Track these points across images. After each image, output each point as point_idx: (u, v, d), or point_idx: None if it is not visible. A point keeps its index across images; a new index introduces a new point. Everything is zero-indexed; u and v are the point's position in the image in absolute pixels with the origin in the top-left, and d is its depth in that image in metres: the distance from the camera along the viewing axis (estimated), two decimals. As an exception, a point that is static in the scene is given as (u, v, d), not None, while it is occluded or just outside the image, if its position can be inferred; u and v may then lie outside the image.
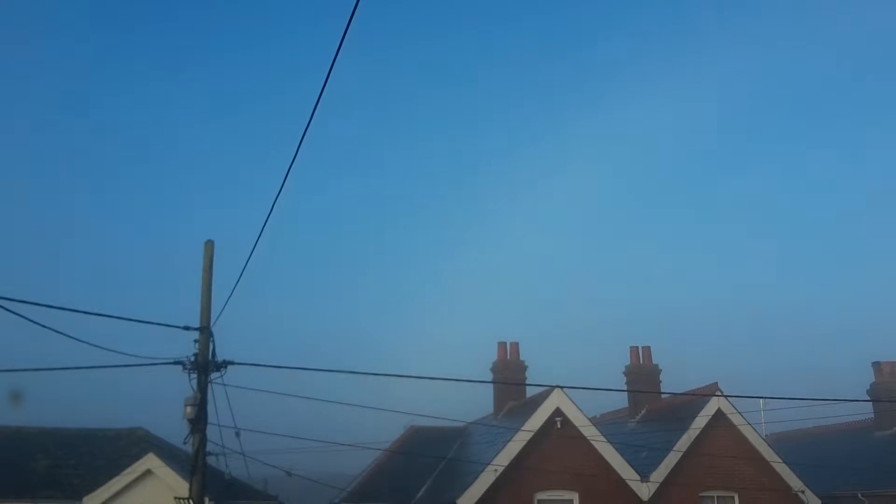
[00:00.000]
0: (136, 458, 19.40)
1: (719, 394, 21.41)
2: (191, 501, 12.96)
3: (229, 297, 13.49)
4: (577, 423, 20.52)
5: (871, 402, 26.52)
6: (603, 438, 20.60)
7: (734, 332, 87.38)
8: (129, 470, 18.81)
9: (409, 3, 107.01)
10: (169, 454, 20.54)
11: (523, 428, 20.09)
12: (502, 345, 25.96)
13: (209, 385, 12.97)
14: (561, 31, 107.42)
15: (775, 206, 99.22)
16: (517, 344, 26.00)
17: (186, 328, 12.86)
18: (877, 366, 26.93)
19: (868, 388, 26.94)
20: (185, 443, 13.14)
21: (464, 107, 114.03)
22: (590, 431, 20.61)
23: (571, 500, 20.18)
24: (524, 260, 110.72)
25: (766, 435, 27.18)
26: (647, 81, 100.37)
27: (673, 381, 31.29)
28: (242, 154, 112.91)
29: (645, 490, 20.07)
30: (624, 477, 20.11)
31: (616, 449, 20.54)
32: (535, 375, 28.55)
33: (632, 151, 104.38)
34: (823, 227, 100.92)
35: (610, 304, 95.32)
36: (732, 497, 21.14)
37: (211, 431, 13.27)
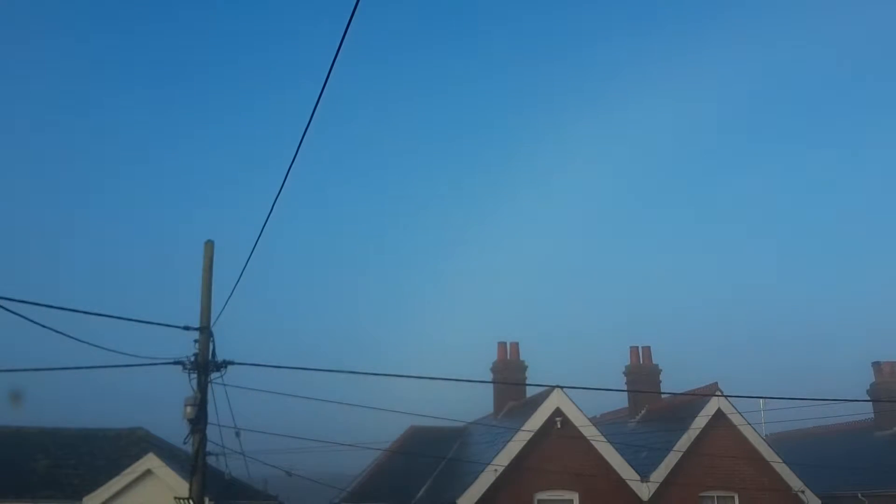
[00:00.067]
0: (136, 458, 19.39)
1: (719, 394, 21.41)
2: (191, 501, 12.96)
3: (229, 297, 13.51)
4: (577, 423, 20.52)
5: (871, 402, 26.52)
6: (603, 438, 20.60)
7: (734, 332, 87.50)
8: (129, 470, 18.81)
9: (409, 5, 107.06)
10: (169, 454, 20.54)
11: (523, 428, 20.08)
12: (502, 345, 25.96)
13: (209, 385, 12.97)
14: (561, 32, 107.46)
15: (775, 206, 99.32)
16: (517, 344, 26.02)
17: (186, 328, 12.87)
18: (877, 366, 26.93)
19: (868, 388, 26.94)
20: (185, 443, 13.14)
21: (464, 107, 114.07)
22: (590, 431, 20.61)
23: (571, 500, 20.18)
24: (524, 260, 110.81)
25: (766, 435, 27.17)
26: (647, 81, 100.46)
27: (673, 381, 31.31)
28: (243, 154, 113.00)
29: (645, 490, 20.07)
30: (624, 477, 20.11)
31: (616, 449, 20.54)
32: (535, 375, 28.59)
33: (632, 151, 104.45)
34: (823, 227, 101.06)
35: (610, 304, 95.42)
36: (732, 497, 21.14)
37: (211, 431, 13.30)
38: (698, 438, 20.95)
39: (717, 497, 21.07)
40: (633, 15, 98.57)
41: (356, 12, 5.96)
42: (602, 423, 25.66)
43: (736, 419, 21.42)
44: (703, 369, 57.63)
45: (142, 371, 12.43)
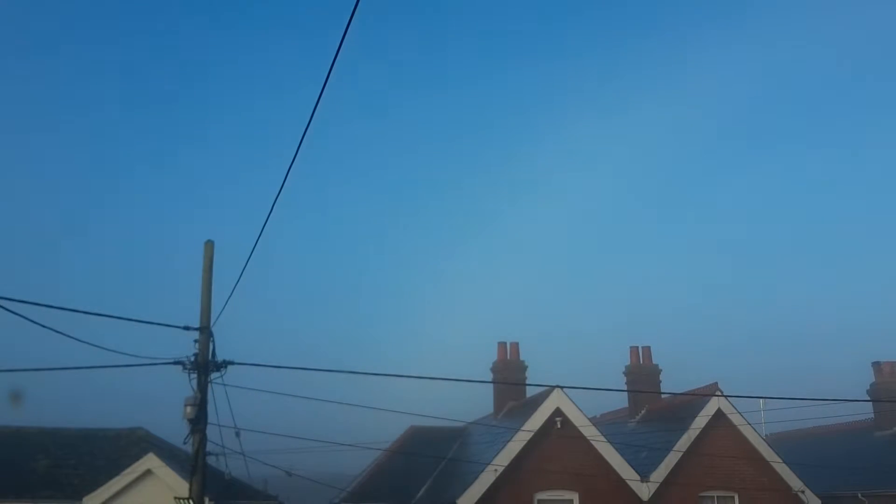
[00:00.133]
0: (136, 458, 19.39)
1: (719, 394, 21.41)
2: (191, 501, 12.96)
3: (229, 297, 13.51)
4: (577, 423, 20.52)
5: (871, 402, 26.52)
6: (603, 438, 20.60)
7: (734, 333, 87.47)
8: (129, 470, 18.81)
9: (408, 6, 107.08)
10: (169, 454, 20.54)
11: (523, 428, 20.09)
12: (502, 345, 25.96)
13: (209, 385, 12.97)
14: (561, 34, 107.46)
15: (775, 207, 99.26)
16: (517, 344, 26.02)
17: (186, 328, 12.87)
18: (877, 366, 26.93)
19: (868, 388, 26.94)
20: (185, 443, 13.14)
21: (464, 108, 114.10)
22: (590, 431, 20.61)
23: (571, 500, 20.18)
24: (524, 260, 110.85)
25: (766, 435, 27.19)
26: (647, 83, 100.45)
27: (673, 381, 31.32)
28: (243, 154, 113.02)
29: (645, 490, 20.07)
30: (624, 477, 20.11)
31: (616, 449, 20.54)
32: (535, 375, 28.58)
33: (632, 152, 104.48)
34: (823, 227, 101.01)
35: (610, 304, 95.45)
36: (732, 497, 21.14)
37: (211, 431, 13.30)
38: (698, 438, 20.95)
39: (717, 497, 21.07)
40: (632, 16, 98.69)
41: (356, 12, 5.96)
42: (602, 423, 25.66)
43: (736, 419, 21.42)
44: (703, 369, 57.73)
45: (142, 371, 12.45)
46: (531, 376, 25.74)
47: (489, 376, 25.88)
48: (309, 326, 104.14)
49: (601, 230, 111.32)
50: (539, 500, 20.10)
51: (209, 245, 13.71)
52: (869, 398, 26.51)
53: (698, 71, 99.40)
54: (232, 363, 13.05)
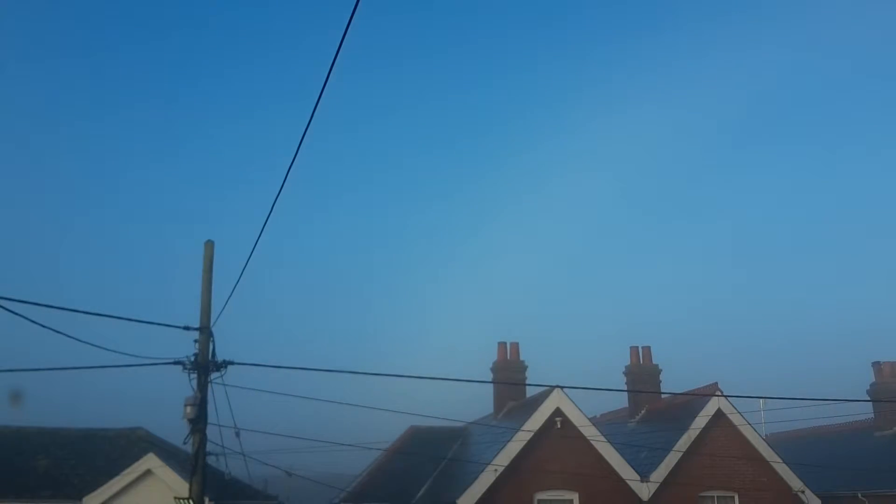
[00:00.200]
0: (136, 458, 19.39)
1: (719, 394, 21.41)
2: (191, 501, 12.96)
3: (229, 297, 13.52)
4: (576, 423, 20.52)
5: (871, 402, 26.52)
6: (603, 438, 20.60)
7: (734, 333, 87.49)
8: (129, 470, 18.81)
9: (405, 11, 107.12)
10: (169, 454, 20.53)
11: (523, 428, 20.08)
12: (502, 345, 25.95)
13: (209, 385, 12.97)
14: (560, 37, 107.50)
15: (775, 207, 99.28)
16: (517, 344, 26.02)
17: (186, 328, 12.87)
18: (877, 366, 26.94)
19: (868, 388, 26.95)
20: (185, 443, 13.14)
21: (465, 111, 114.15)
22: (590, 431, 20.61)
23: (571, 500, 20.18)
24: (524, 261, 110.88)
25: (766, 435, 27.19)
26: (645, 87, 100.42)
27: (673, 381, 31.32)
28: (243, 154, 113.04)
29: (645, 490, 20.07)
30: (624, 477, 20.11)
31: (616, 449, 20.54)
32: (535, 375, 28.58)
33: (631, 155, 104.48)
34: (823, 227, 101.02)
35: (610, 305, 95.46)
36: (732, 497, 21.14)
37: (211, 431, 13.30)
38: (698, 438, 20.95)
39: (717, 497, 21.07)
40: (629, 21, 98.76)
41: (356, 13, 5.96)
42: (602, 423, 25.66)
43: (736, 419, 21.42)
44: (703, 369, 57.76)
45: (142, 371, 12.45)
46: (531, 376, 25.78)
47: (489, 376, 25.88)
48: (309, 327, 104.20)
49: (602, 231, 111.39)
50: (539, 500, 20.10)
51: (209, 245, 13.72)
52: (869, 398, 26.52)
53: (695, 73, 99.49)
54: (232, 363, 13.06)
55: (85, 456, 21.25)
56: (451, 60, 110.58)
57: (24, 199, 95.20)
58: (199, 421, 12.81)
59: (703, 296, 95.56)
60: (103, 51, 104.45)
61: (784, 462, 21.43)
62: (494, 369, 25.88)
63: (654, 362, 25.82)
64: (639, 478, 20.19)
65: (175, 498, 14.92)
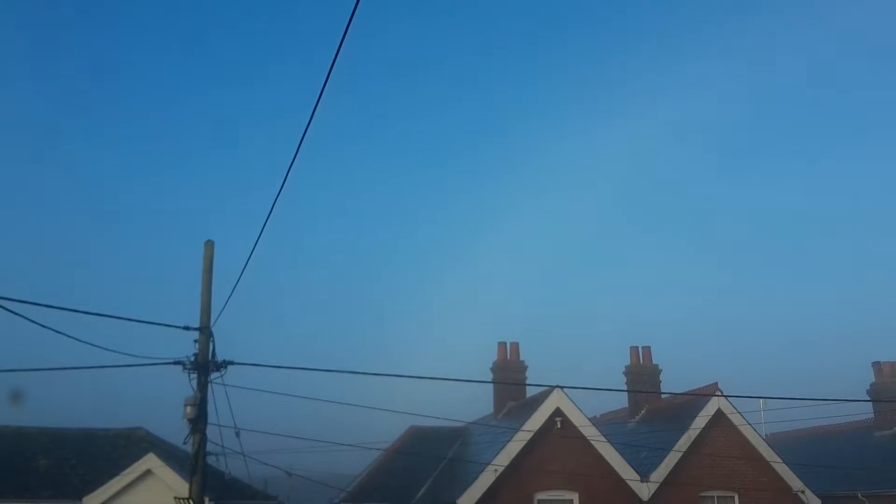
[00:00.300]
0: (136, 458, 19.38)
1: (719, 394, 21.40)
2: (191, 501, 12.96)
3: (229, 297, 13.51)
4: (576, 423, 20.52)
5: (871, 402, 26.52)
6: (603, 438, 20.59)
7: (734, 333, 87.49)
8: (129, 470, 18.80)
9: (403, 17, 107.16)
10: (169, 454, 20.53)
11: (523, 428, 20.08)
12: (502, 345, 25.95)
13: (209, 385, 12.97)
14: (561, 42, 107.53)
15: (775, 207, 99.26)
16: (517, 344, 26.02)
17: (186, 328, 12.87)
18: (877, 366, 26.94)
19: (868, 388, 26.96)
20: (185, 443, 13.14)
21: (465, 114, 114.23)
22: (590, 431, 20.61)
23: (571, 500, 20.17)
24: (525, 261, 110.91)
25: (766, 435, 27.19)
26: (645, 87, 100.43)
27: (673, 381, 31.32)
28: (244, 154, 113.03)
29: (645, 490, 20.07)
30: (624, 477, 20.11)
31: (616, 449, 20.54)
32: (535, 375, 28.59)
33: (630, 155, 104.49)
34: (823, 227, 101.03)
35: (610, 305, 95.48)
36: (732, 497, 21.14)
37: (211, 431, 13.31)
38: (698, 438, 20.95)
39: (717, 497, 21.07)
40: (625, 28, 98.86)
41: (354, 14, 5.97)
42: (602, 423, 25.66)
43: (736, 419, 21.41)
44: (703, 369, 57.76)
45: (142, 371, 12.46)
46: (531, 376, 25.79)
47: (489, 376, 25.88)
48: (309, 327, 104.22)
49: (602, 232, 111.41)
50: (539, 500, 20.10)
51: (209, 245, 13.72)
52: (869, 398, 26.52)
53: (694, 74, 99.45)
54: (232, 363, 13.06)
55: (85, 456, 21.25)
56: (449, 67, 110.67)
57: (24, 200, 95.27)
58: (199, 421, 12.81)
59: (703, 296, 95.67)
60: (103, 50, 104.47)
61: (784, 462, 21.43)
62: (494, 369, 25.88)
63: (654, 362, 25.83)
64: (639, 478, 20.19)
65: (175, 498, 14.91)
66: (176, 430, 14.73)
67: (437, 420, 20.98)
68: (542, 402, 20.75)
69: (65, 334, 10.98)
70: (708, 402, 21.32)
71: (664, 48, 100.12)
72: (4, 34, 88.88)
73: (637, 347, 26.12)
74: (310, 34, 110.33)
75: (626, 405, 27.39)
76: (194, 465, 12.99)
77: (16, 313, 9.30)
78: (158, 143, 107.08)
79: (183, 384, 12.71)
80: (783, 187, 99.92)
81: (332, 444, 18.71)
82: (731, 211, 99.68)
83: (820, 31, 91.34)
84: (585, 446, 20.34)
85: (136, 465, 18.93)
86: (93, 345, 11.77)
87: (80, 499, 18.53)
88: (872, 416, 27.35)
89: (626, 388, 25.82)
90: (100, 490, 18.59)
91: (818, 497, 21.19)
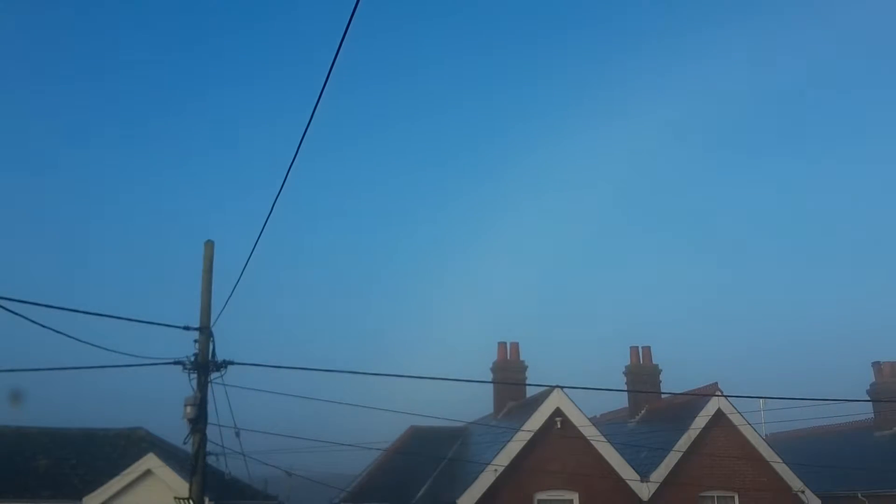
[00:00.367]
0: (136, 458, 19.38)
1: (719, 394, 21.41)
2: (191, 501, 12.96)
3: (229, 297, 13.51)
4: (576, 423, 20.52)
5: (871, 402, 26.53)
6: (603, 438, 20.60)
7: (734, 333, 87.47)
8: (129, 470, 18.80)
9: (401, 19, 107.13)
10: (169, 454, 20.53)
11: (523, 428, 20.08)
12: (502, 345, 25.95)
13: (209, 385, 12.97)
14: (560, 43, 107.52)
15: (775, 208, 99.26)
16: (517, 344, 26.02)
17: (186, 328, 12.87)
18: (877, 366, 26.94)
19: (868, 388, 26.96)
20: (185, 443, 13.14)
21: (465, 115, 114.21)
22: (590, 431, 20.61)
23: (571, 500, 20.17)
24: (525, 261, 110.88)
25: (766, 435, 27.19)
26: (645, 87, 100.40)
27: (673, 381, 31.32)
28: (243, 154, 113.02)
29: (645, 490, 20.07)
30: (624, 477, 20.11)
31: (616, 449, 20.54)
32: (535, 375, 28.58)
33: (630, 155, 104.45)
34: (823, 227, 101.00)
35: (610, 305, 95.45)
36: (732, 497, 21.14)
37: (211, 431, 13.30)
38: (698, 438, 20.95)
39: (717, 497, 21.07)
40: (625, 28, 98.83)
41: (354, 15, 5.97)
42: (602, 423, 25.67)
43: (736, 419, 21.42)
44: (703, 369, 57.76)
45: (142, 371, 12.45)
46: (531, 376, 25.78)
47: (489, 376, 25.88)
48: (309, 327, 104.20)
49: (602, 232, 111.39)
50: (539, 500, 20.10)
51: (209, 245, 13.72)
52: (869, 398, 26.52)
53: (693, 75, 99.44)
54: (232, 363, 13.06)
55: (85, 456, 21.25)
56: (447, 68, 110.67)
57: (24, 200, 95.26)
58: (199, 421, 12.81)
59: (703, 296, 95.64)
60: (101, 49, 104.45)
61: (784, 462, 21.43)
62: (494, 369, 25.88)
63: (654, 362, 25.83)
64: (639, 478, 20.19)
65: (175, 498, 14.92)
66: (176, 430, 14.74)
67: (437, 420, 21.01)
68: (542, 402, 20.75)
69: (65, 334, 10.99)
70: (708, 402, 21.32)
71: (664, 48, 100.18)
72: (4, 34, 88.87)
73: (637, 347, 26.14)
74: (310, 34, 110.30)
75: (626, 405, 27.39)
76: (194, 465, 12.99)
77: (16, 313, 9.31)
78: (158, 143, 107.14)
79: (183, 384, 12.73)
80: (783, 187, 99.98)
81: (331, 444, 18.72)
82: (731, 211, 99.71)
83: (820, 31, 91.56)
84: (585, 446, 20.34)
85: (136, 465, 18.93)
86: (93, 345, 11.78)
87: (80, 499, 18.53)
88: (872, 416, 27.35)
89: (626, 388, 25.83)
90: (100, 490, 18.59)
91: (818, 497, 21.19)
